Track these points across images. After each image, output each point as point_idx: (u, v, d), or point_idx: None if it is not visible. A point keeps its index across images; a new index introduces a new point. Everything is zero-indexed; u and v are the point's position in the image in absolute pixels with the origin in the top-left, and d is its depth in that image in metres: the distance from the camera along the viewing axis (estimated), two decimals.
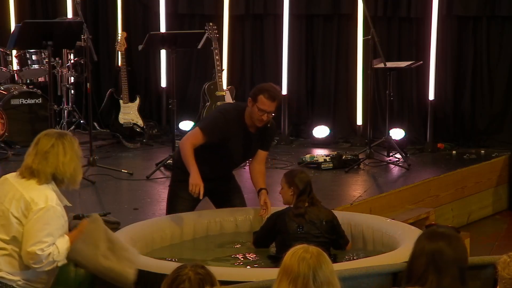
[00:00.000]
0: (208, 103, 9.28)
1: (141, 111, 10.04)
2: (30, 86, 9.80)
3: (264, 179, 6.00)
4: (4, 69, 9.79)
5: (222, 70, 9.47)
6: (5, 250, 4.35)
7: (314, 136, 10.07)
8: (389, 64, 8.99)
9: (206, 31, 9.17)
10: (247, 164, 6.51)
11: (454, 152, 9.50)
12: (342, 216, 5.81)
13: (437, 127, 9.68)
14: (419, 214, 7.58)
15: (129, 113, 9.93)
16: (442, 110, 9.77)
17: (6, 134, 9.19)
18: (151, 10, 10.84)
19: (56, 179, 4.42)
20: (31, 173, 4.39)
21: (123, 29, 10.70)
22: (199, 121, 7.58)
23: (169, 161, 8.30)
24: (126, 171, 8.37)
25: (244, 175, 7.18)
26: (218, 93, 9.23)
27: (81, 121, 10.03)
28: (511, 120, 9.64)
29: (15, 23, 10.35)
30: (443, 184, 8.34)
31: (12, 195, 4.36)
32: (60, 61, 10.01)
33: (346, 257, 5.49)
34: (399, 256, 4.79)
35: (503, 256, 3.71)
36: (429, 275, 3.69)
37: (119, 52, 9.94)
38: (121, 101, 9.90)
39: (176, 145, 7.89)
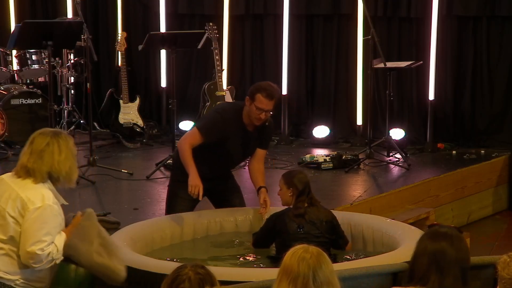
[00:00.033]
0: (208, 103, 9.28)
1: (141, 111, 10.03)
2: (30, 86, 9.80)
3: (264, 177, 6.00)
4: (4, 69, 9.79)
5: (222, 70, 9.47)
6: (3, 249, 4.35)
7: (314, 136, 10.06)
8: (389, 64, 8.99)
9: (206, 31, 9.17)
10: (247, 164, 6.50)
11: (454, 152, 9.50)
12: (342, 216, 5.81)
13: (437, 127, 9.68)
14: (419, 214, 7.58)
15: (129, 113, 9.93)
16: (442, 110, 9.77)
17: (6, 134, 9.19)
18: (151, 10, 10.84)
19: (52, 178, 4.42)
20: (26, 172, 4.38)
21: (123, 29, 10.70)
22: (197, 121, 7.57)
23: (169, 161, 8.29)
24: (126, 171, 8.37)
25: (244, 175, 7.18)
26: (218, 93, 9.23)
27: (81, 121, 10.03)
28: (511, 120, 9.64)
29: (15, 23, 10.35)
30: (443, 184, 8.34)
31: (8, 195, 4.36)
32: (60, 61, 10.01)
33: (346, 256, 5.50)
34: (399, 256, 4.79)
35: (503, 256, 3.71)
36: (431, 275, 3.69)
37: (119, 52, 9.94)
38: (121, 101, 9.90)
39: (176, 145, 7.88)
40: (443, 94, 9.76)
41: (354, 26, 9.91)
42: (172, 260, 5.32)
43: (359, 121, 9.97)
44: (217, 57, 9.26)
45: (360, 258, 5.27)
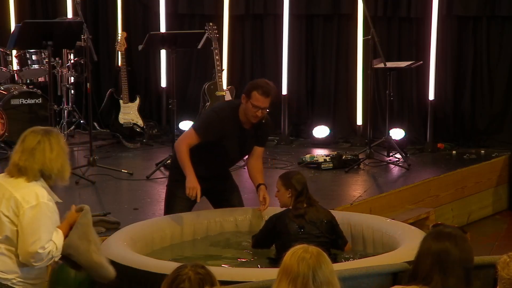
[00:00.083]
0: (208, 103, 9.28)
1: (141, 111, 10.03)
2: (30, 86, 9.79)
3: (262, 174, 5.99)
4: (4, 69, 9.79)
5: (222, 70, 9.47)
6: None
7: (314, 136, 10.06)
8: (389, 64, 8.99)
9: (206, 31, 9.17)
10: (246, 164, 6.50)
11: (454, 152, 9.50)
12: (342, 216, 5.81)
13: (437, 127, 9.68)
14: (419, 214, 7.58)
15: (129, 113, 9.93)
16: (442, 110, 9.77)
17: (6, 134, 9.19)
18: (151, 10, 10.84)
19: (44, 176, 4.40)
20: (18, 171, 4.37)
21: (123, 29, 10.70)
22: (194, 121, 7.57)
23: (169, 161, 8.28)
24: (126, 171, 8.37)
25: (244, 175, 7.18)
26: (218, 93, 9.23)
27: (81, 121, 10.03)
28: (511, 120, 9.65)
29: (15, 23, 10.35)
30: (443, 184, 8.34)
31: (1, 194, 4.35)
32: (60, 61, 10.00)
33: (346, 256, 5.49)
34: (399, 256, 4.80)
35: (503, 256, 3.71)
36: (434, 275, 3.69)
37: (119, 52, 9.94)
38: (121, 101, 9.90)
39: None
40: (443, 94, 9.76)
41: (354, 26, 9.91)
42: (172, 260, 5.32)
43: (359, 121, 9.97)
44: (217, 57, 9.26)
45: (360, 258, 5.27)
